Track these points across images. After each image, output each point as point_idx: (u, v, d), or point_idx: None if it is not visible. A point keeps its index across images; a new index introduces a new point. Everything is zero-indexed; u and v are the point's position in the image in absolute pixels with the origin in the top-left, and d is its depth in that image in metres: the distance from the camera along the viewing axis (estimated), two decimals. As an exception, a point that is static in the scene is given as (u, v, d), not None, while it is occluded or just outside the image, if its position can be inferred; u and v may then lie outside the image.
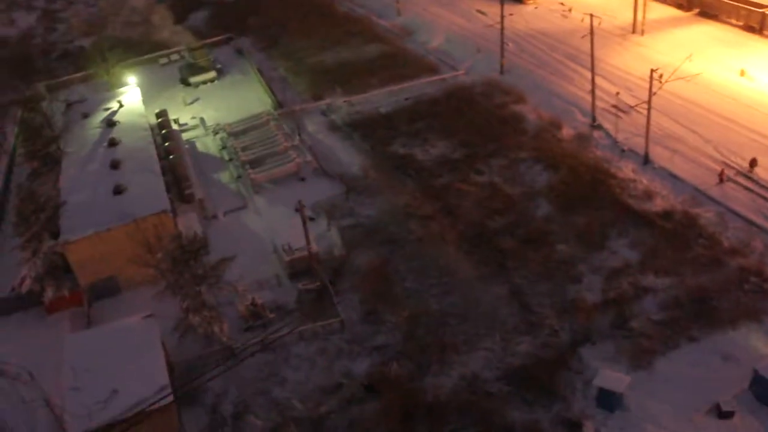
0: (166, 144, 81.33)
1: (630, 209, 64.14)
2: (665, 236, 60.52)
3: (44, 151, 78.33)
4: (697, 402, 47.18)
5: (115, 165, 70.92)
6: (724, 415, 46.17)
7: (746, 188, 64.85)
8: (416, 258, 62.31)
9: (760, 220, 60.85)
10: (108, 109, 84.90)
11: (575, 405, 48.20)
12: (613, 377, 47.79)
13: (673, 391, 47.98)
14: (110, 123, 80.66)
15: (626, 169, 69.75)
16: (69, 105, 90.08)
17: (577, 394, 48.77)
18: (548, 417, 47.87)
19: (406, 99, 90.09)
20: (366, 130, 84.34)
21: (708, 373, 48.99)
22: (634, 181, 67.93)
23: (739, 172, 66.72)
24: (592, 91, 78.14)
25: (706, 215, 62.15)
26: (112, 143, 75.80)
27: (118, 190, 66.01)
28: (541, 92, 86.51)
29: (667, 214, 62.73)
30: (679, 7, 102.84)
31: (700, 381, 48.41)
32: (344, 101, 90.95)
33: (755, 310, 52.68)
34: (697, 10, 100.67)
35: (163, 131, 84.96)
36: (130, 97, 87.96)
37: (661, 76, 67.19)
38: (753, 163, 66.56)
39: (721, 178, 66.11)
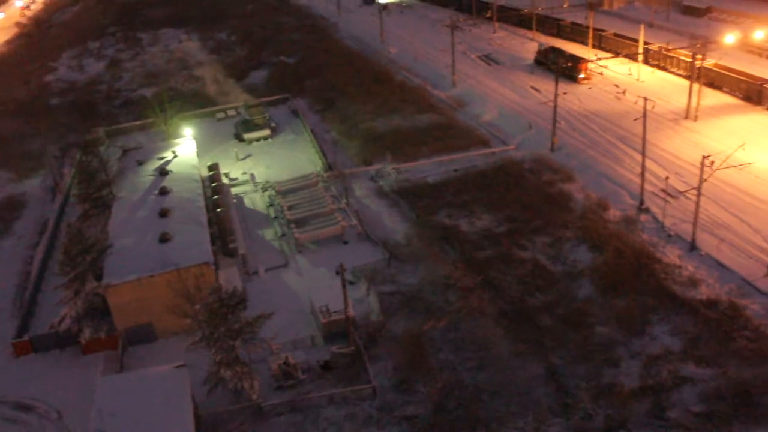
0: (215, 197, 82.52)
1: (673, 295, 63.00)
2: (709, 325, 59.16)
3: (97, 194, 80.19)
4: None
5: (163, 213, 72.19)
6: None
7: (795, 282, 63.40)
8: (453, 330, 61.75)
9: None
10: (162, 158, 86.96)
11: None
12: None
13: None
14: (163, 172, 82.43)
15: (672, 255, 68.75)
16: (125, 151, 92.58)
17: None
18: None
19: (455, 170, 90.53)
20: (413, 198, 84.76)
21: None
22: (680, 267, 66.84)
23: (787, 265, 65.40)
24: (642, 174, 77.64)
25: (753, 307, 60.69)
26: (163, 192, 77.32)
27: (164, 239, 67.06)
28: (590, 172, 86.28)
29: (711, 303, 61.44)
30: (748, 99, 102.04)
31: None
32: (393, 168, 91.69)
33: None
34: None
35: (213, 184, 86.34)
36: (184, 149, 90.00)
37: (712, 163, 66.61)
38: (802, 256, 65.27)
39: (770, 270, 64.85)
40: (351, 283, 65.12)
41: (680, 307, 61.65)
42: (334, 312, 61.11)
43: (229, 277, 66.76)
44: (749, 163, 77.15)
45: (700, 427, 50.32)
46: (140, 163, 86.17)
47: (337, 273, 58.56)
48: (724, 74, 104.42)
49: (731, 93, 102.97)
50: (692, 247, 69.22)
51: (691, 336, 58.34)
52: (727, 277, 64.82)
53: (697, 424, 50.49)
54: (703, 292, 63.02)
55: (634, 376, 55.21)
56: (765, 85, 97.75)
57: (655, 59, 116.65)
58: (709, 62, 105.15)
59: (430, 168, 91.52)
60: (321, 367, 51.70)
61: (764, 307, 60.51)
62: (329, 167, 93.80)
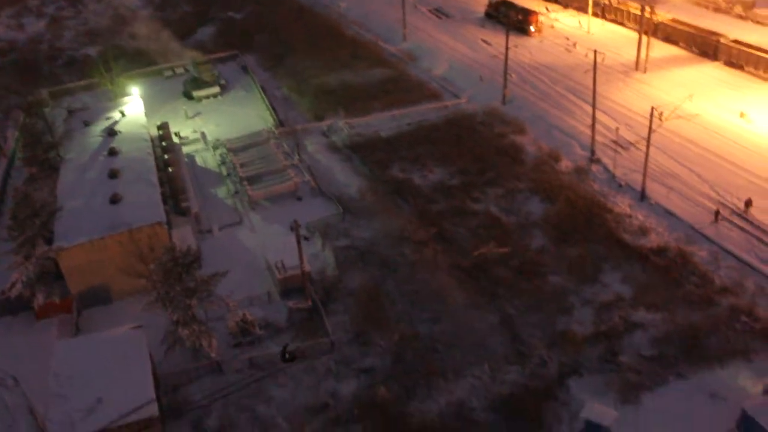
0: (166, 156, 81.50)
1: (624, 244, 64.33)
2: (658, 272, 60.66)
3: (43, 156, 78.40)
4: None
5: (113, 174, 70.99)
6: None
7: (740, 228, 65.00)
8: (409, 282, 62.30)
9: (753, 261, 61.01)
10: (110, 118, 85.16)
11: (560, 437, 48.16)
12: (600, 411, 47.64)
13: (659, 427, 47.86)
14: (111, 132, 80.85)
15: (622, 204, 69.96)
16: (71, 112, 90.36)
17: (563, 426, 48.67)
18: (534, 446, 47.86)
19: (408, 124, 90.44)
20: (365, 152, 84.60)
21: (695, 410, 48.87)
22: (630, 216, 68.14)
23: (734, 212, 66.92)
24: (593, 126, 78.53)
25: (700, 253, 62.33)
26: (112, 152, 75.96)
27: (114, 200, 66.04)
28: (541, 124, 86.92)
29: (660, 251, 62.90)
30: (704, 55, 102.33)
31: (686, 418, 48.28)
32: (346, 123, 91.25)
33: (744, 349, 52.64)
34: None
35: (164, 143, 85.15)
36: (132, 108, 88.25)
37: (661, 114, 67.58)
38: (748, 203, 66.76)
39: (717, 217, 66.29)
40: (305, 238, 65.04)
41: (631, 255, 63.02)
42: (290, 268, 61.12)
43: (183, 236, 66.21)
44: (696, 115, 78.52)
45: (651, 369, 51.85)
46: (87, 124, 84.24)
47: (292, 229, 58.53)
48: (680, 29, 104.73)
49: (687, 48, 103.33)
50: (642, 196, 70.49)
51: (641, 283, 59.80)
52: (676, 225, 66.30)
53: (647, 367, 52.02)
54: (653, 240, 64.42)
55: (587, 323, 56.51)
56: (720, 40, 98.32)
57: (608, 12, 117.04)
58: (666, 17, 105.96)
59: (383, 122, 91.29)
60: (283, 360, 50.94)
61: (711, 254, 62.16)
62: (280, 123, 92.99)
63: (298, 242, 57.85)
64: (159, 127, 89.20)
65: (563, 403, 50.20)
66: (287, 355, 49.93)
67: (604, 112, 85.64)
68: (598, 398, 49.56)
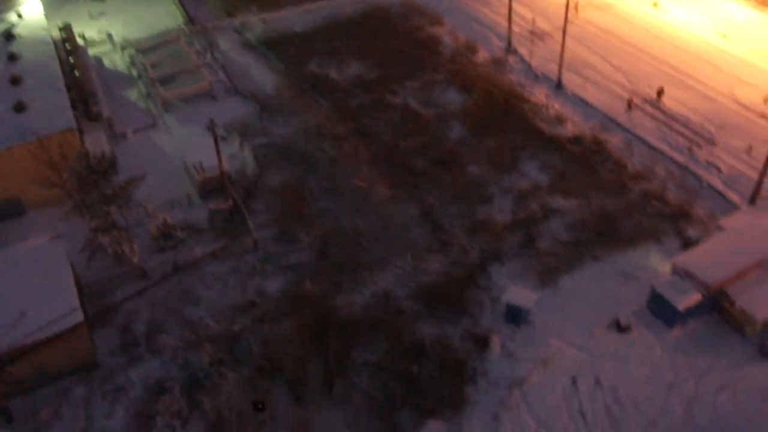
0: (71, 60, 78.08)
1: (541, 133, 65.51)
2: (574, 160, 62.21)
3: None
4: (598, 317, 49.53)
5: (15, 81, 67.60)
6: (622, 329, 48.66)
7: (652, 116, 66.84)
8: (330, 178, 62.35)
9: (664, 147, 63.12)
10: (4, 21, 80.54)
11: (483, 321, 49.88)
12: (520, 294, 49.43)
13: (576, 307, 50.15)
14: (8, 36, 76.62)
15: (539, 94, 70.84)
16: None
17: (486, 311, 50.42)
18: (457, 332, 49.42)
19: (323, 18, 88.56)
20: (281, 49, 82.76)
21: (609, 290, 51.29)
22: (546, 105, 69.16)
23: (646, 101, 68.54)
24: (509, 16, 78.35)
25: (614, 141, 64.07)
26: (12, 58, 72.19)
27: (19, 108, 63.15)
28: (458, 15, 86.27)
29: (576, 139, 64.37)
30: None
31: (601, 298, 50.72)
32: (259, 19, 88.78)
33: (655, 232, 55.17)
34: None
35: (67, 46, 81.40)
36: (29, 9, 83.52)
37: (577, 4, 67.83)
38: (660, 92, 68.37)
39: (630, 105, 67.80)
40: (223, 138, 64.01)
41: (548, 144, 64.32)
42: (208, 169, 60.33)
43: (96, 142, 64.19)
44: (611, 4, 79.10)
45: (567, 253, 53.85)
46: (-20, 28, 79.72)
47: (208, 129, 57.41)
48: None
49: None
50: (558, 86, 71.39)
51: (558, 171, 61.34)
52: (591, 114, 67.73)
53: (564, 251, 54.00)
54: (569, 129, 65.79)
55: (506, 211, 57.93)
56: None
57: None
58: None
59: (298, 17, 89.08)
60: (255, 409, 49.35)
61: (624, 141, 64.01)
62: (191, 21, 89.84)
63: (216, 142, 56.91)
64: (61, 29, 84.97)
65: (485, 289, 51.88)
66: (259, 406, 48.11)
67: (521, 3, 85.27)
68: (518, 283, 51.42)
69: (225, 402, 46.15)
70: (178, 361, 48.30)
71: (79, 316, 45.77)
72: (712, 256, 50.10)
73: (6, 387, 44.05)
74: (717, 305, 49.27)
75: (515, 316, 49.03)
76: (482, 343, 48.65)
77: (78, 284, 49.56)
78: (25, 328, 44.70)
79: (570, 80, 72.09)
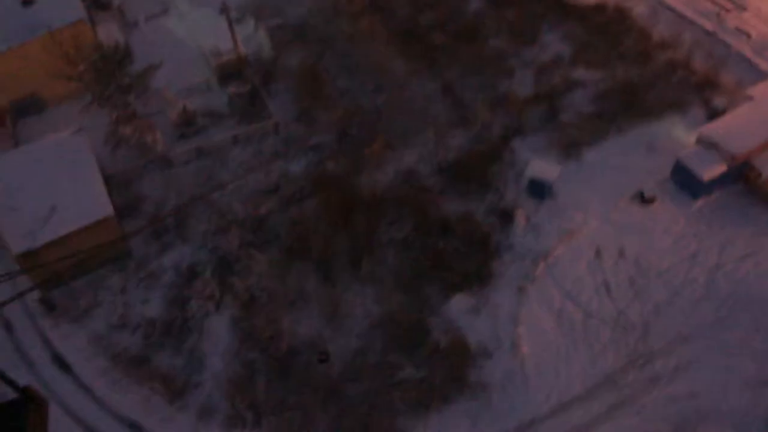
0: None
1: (562, 3, 63.31)
2: (597, 30, 60.42)
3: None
4: (622, 189, 49.69)
5: (20, -28, 66.05)
6: (646, 201, 48.79)
7: (678, -20, 64.46)
8: (348, 56, 61.41)
9: (690, 14, 61.04)
10: None
11: (507, 195, 50.21)
12: (544, 167, 49.48)
13: (600, 179, 50.18)
14: None
15: (558, -40, 68.28)
16: None
17: (509, 185, 50.65)
18: (482, 207, 49.90)
19: None
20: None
21: (633, 162, 51.07)
22: (566, -28, 66.75)
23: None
24: None
25: (638, 9, 61.98)
26: (16, -55, 70.30)
27: (27, 1, 61.88)
28: None
29: (599, 8, 62.18)
30: None
31: (625, 170, 50.57)
32: None
33: (680, 102, 54.16)
34: None
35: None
36: None
37: None
38: (685, -48, 65.73)
39: (653, -33, 65.38)
40: (237, 20, 62.75)
41: (569, 13, 62.25)
42: (225, 52, 59.54)
43: (109, 32, 63.02)
44: None
45: (590, 126, 53.31)
46: None
47: (222, 12, 56.30)
48: None
49: None
50: (577, -51, 68.68)
51: (580, 41, 59.73)
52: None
53: (588, 123, 53.46)
54: (591, -3, 63.78)
55: (528, 84, 57.02)
56: None
57: None
58: None
59: None
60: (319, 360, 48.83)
61: (649, 8, 61.95)
62: None
63: (230, 25, 55.96)
64: None
65: (508, 164, 51.87)
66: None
67: None
68: (542, 156, 51.30)
69: (256, 283, 47.49)
70: (207, 245, 49.37)
71: (108, 208, 46.59)
72: (738, 127, 49.32)
73: (46, 278, 45.41)
74: (742, 176, 49.07)
75: (539, 189, 49.21)
76: (507, 217, 49.13)
77: (104, 176, 50.05)
78: (57, 221, 45.62)
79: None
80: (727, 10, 60.71)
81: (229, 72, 59.58)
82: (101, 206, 46.55)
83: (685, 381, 42.52)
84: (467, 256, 47.77)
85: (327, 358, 44.39)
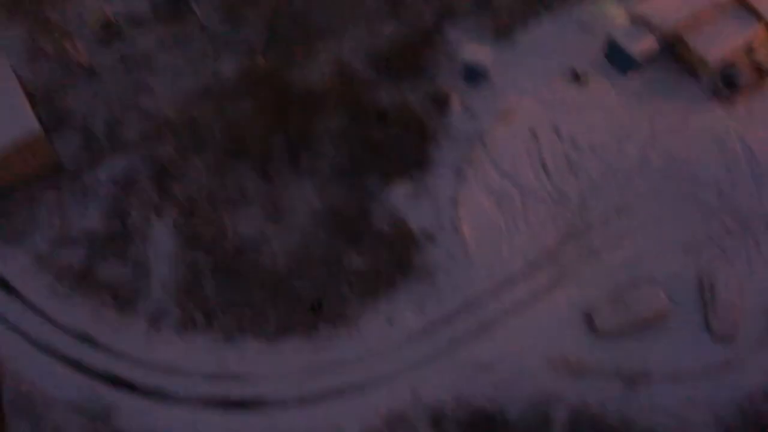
0: None
1: None
2: None
3: None
4: (556, 69, 50.10)
5: None
6: (579, 79, 49.23)
7: None
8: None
9: None
10: None
11: (442, 81, 50.07)
12: (477, 51, 49.28)
13: (533, 60, 50.31)
14: None
15: None
16: None
17: (443, 71, 50.48)
18: (417, 95, 49.76)
19: None
20: None
21: (566, 42, 51.15)
22: None
23: None
24: None
25: None
26: None
27: None
28: None
29: None
30: None
31: (558, 50, 50.71)
32: None
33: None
34: None
35: None
36: None
37: None
38: None
39: None
40: None
41: None
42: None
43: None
44: None
45: (523, 7, 52.83)
46: None
47: None
48: None
49: None
50: None
51: None
52: None
53: (519, 5, 52.94)
54: None
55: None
56: None
57: None
58: None
59: None
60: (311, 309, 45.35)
61: None
62: None
63: None
64: None
65: (441, 50, 51.42)
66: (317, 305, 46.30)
67: None
68: (474, 40, 50.96)
69: (194, 186, 47.16)
70: (142, 153, 48.49)
71: (33, 123, 45.16)
72: (668, 2, 49.56)
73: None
74: (673, 51, 49.49)
75: (472, 73, 49.10)
76: (442, 102, 49.17)
77: (27, 93, 48.08)
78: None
79: None
80: None
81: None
82: (25, 122, 45.02)
83: (622, 251, 44.11)
84: (404, 143, 47.93)
85: (320, 305, 44.24)
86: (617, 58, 49.18)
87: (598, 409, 40.25)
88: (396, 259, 44.67)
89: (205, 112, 49.84)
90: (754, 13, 49.51)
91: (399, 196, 46.41)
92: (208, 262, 44.86)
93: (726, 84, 48.01)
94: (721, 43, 48.50)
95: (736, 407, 40.00)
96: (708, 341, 41.80)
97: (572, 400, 40.47)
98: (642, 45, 48.24)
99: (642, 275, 43.37)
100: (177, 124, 49.39)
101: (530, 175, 46.50)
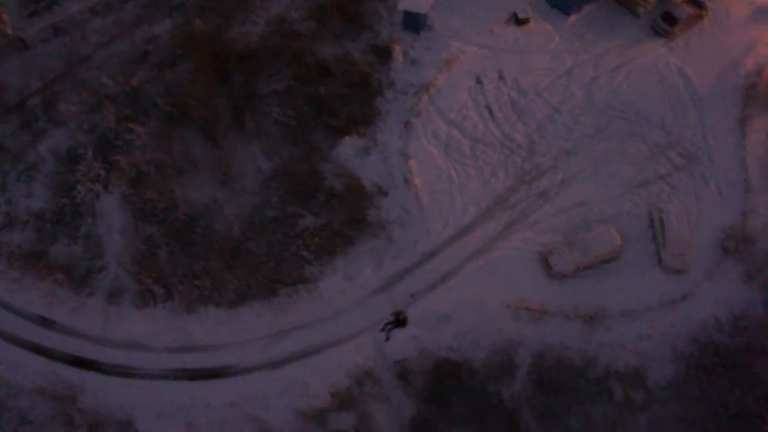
0: None
1: None
2: None
3: None
4: (496, 14, 49.85)
5: None
6: (520, 22, 48.90)
7: None
8: None
9: None
10: None
11: (383, 32, 49.53)
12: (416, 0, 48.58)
13: (473, 6, 50.01)
14: None
15: None
16: None
17: (384, 22, 49.86)
18: (358, 47, 49.18)
19: None
20: None
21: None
22: None
23: None
24: None
25: None
26: None
27: None
28: None
29: None
30: None
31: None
32: None
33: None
34: None
35: None
36: None
37: None
38: None
39: None
40: None
41: None
42: None
43: None
44: None
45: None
46: None
47: None
48: None
49: None
50: None
51: None
52: None
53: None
54: None
55: None
56: None
57: None
58: None
59: None
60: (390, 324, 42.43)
61: None
62: None
63: None
64: None
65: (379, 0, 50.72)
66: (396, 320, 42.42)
67: None
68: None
69: (141, 157, 46.31)
70: (83, 126, 47.30)
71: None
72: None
73: None
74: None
75: (413, 22, 48.59)
76: (385, 54, 48.68)
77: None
78: None
79: None
80: None
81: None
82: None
83: (572, 192, 44.77)
84: (350, 98, 47.55)
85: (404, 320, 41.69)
86: (557, 0, 49.00)
87: (561, 350, 41.22)
88: (350, 216, 44.70)
89: (144, 78, 48.66)
90: (690, -52, 49.57)
91: (349, 153, 46.18)
92: (161, 232, 44.36)
93: (665, 20, 48.23)
94: (658, -21, 48.57)
95: (691, 338, 41.34)
96: (661, 276, 42.82)
97: (534, 344, 41.35)
98: (581, -17, 48.10)
99: (594, 215, 44.10)
100: (116, 92, 48.15)
101: (478, 122, 46.57)
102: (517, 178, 45.33)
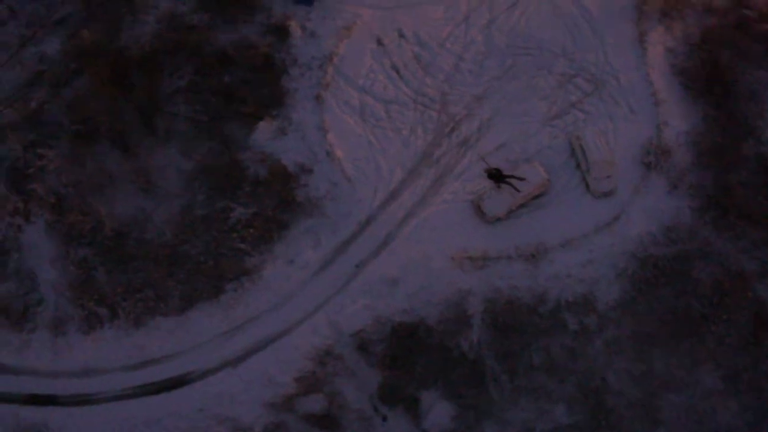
0: None
1: None
2: None
3: None
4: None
5: None
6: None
7: None
8: None
9: None
10: None
11: (276, 10, 48.92)
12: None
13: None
14: None
15: None
16: None
17: (275, 1, 49.04)
18: (254, 30, 48.60)
19: None
20: None
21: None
22: None
23: None
24: None
25: None
26: None
27: None
28: None
29: None
30: None
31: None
32: None
33: None
34: None
35: None
36: None
37: None
38: None
39: None
40: None
41: None
42: None
43: None
44: None
45: None
46: None
47: None
48: None
49: None
50: None
51: None
52: None
53: None
54: None
55: None
56: None
57: None
58: None
59: None
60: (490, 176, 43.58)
61: None
62: None
63: None
64: None
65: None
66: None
67: None
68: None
69: (57, 181, 45.25)
70: (-10, 160, 45.87)
71: None
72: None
73: None
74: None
75: (299, -7, 48.22)
76: (282, 32, 48.23)
77: None
78: None
79: None
80: None
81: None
82: None
83: (491, 136, 45.44)
84: (256, 82, 47.13)
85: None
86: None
87: (510, 292, 42.15)
88: (280, 200, 44.66)
89: (43, 100, 47.18)
90: None
91: (265, 137, 45.92)
92: (93, 253, 43.60)
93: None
94: None
95: (630, 255, 42.72)
96: (592, 201, 43.96)
97: (484, 291, 42.18)
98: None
99: (517, 155, 44.86)
100: (16, 120, 46.62)
101: (387, 84, 46.68)
102: (436, 132, 45.74)
